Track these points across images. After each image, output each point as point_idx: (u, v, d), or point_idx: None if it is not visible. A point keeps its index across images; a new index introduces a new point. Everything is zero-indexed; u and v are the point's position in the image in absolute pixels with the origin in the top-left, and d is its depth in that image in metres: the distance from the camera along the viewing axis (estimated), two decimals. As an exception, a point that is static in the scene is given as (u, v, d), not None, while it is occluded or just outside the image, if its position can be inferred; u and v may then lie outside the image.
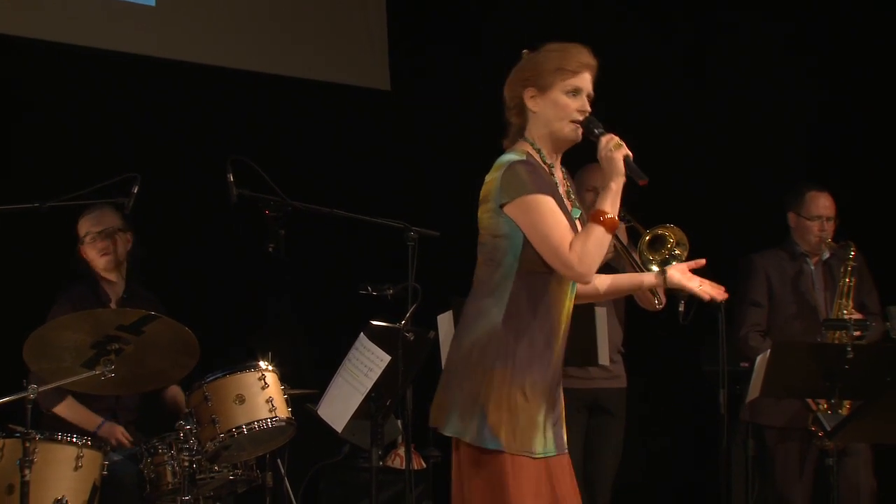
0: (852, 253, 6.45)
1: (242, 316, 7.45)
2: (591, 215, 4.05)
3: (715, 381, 6.41)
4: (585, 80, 4.15)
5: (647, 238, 6.36)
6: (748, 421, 6.71)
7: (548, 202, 4.02)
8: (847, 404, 6.17)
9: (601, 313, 6.06)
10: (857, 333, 6.20)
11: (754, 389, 6.14)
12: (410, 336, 5.46)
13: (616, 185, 4.08)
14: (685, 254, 6.29)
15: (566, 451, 4.20)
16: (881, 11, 8.02)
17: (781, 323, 6.56)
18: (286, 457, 6.25)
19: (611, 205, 4.06)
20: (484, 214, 4.09)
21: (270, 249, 5.61)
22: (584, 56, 4.15)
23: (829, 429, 5.77)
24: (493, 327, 4.03)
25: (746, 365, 6.46)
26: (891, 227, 7.76)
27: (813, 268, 6.62)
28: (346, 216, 5.81)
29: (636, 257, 6.40)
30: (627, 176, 4.11)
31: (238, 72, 7.80)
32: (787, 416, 6.43)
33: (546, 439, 4.10)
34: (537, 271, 4.05)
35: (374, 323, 5.55)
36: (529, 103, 4.13)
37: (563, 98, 4.12)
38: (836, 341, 6.18)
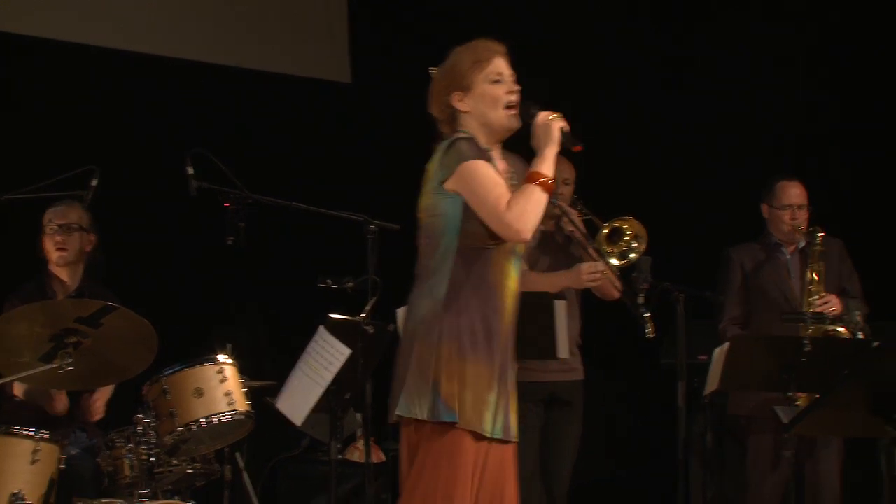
0: (819, 237, 6.48)
1: (201, 309, 7.43)
2: (528, 176, 4.11)
3: (673, 373, 6.45)
4: (502, 65, 4.23)
5: (606, 231, 6.40)
6: (733, 413, 6.73)
7: (484, 166, 4.07)
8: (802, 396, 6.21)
9: (560, 306, 6.07)
10: (830, 312, 6.25)
11: (712, 382, 6.17)
12: (370, 329, 5.46)
13: (550, 152, 4.16)
14: (643, 246, 6.34)
15: (513, 440, 4.20)
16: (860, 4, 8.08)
17: (759, 314, 6.59)
18: (245, 450, 6.24)
19: (547, 168, 4.13)
20: (424, 197, 4.14)
21: (230, 242, 5.60)
22: (492, 44, 4.23)
23: (785, 421, 5.81)
24: (436, 305, 4.07)
25: (704, 358, 6.48)
26: (876, 217, 7.83)
27: (789, 257, 6.66)
28: (306, 209, 5.79)
29: (594, 249, 6.43)
30: (562, 145, 4.21)
31: (198, 64, 7.77)
32: (761, 406, 6.45)
33: (496, 421, 4.15)
34: (477, 246, 4.09)
35: (334, 316, 5.55)
36: (459, 106, 4.18)
37: (490, 87, 4.19)
38: (810, 333, 6.21)
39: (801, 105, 8.15)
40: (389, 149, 7.96)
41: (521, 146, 4.33)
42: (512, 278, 4.20)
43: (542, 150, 4.14)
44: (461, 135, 4.13)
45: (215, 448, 5.84)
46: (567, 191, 6.55)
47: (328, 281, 5.92)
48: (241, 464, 6.24)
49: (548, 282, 6.26)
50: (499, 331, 4.15)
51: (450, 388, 4.03)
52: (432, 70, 4.29)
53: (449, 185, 4.06)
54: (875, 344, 5.44)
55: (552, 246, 6.61)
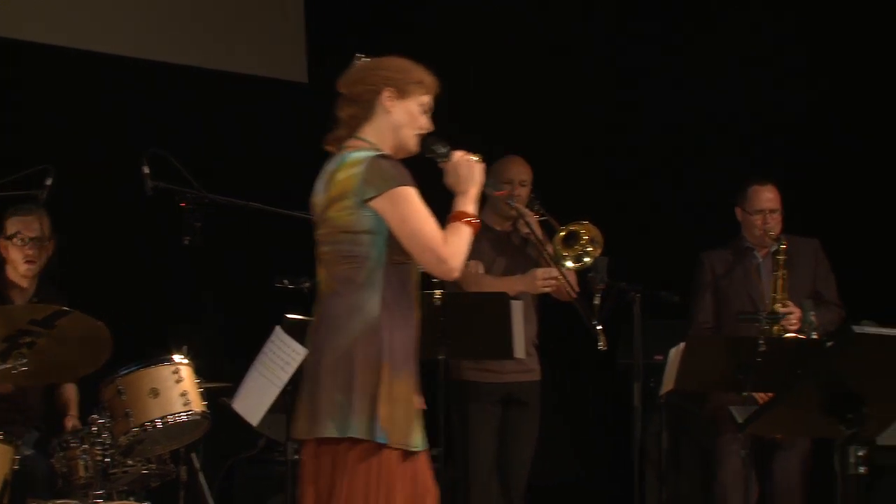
0: (783, 245, 6.51)
1: (158, 309, 7.40)
2: (456, 215, 4.15)
3: (629, 373, 6.48)
4: (431, 102, 4.27)
5: (562, 234, 6.43)
6: (694, 412, 6.76)
7: (415, 194, 4.08)
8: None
9: (517, 307, 6.09)
10: (791, 327, 6.29)
11: (668, 382, 6.19)
12: (327, 329, 5.44)
13: (475, 192, 4.19)
14: (598, 250, 6.37)
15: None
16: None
17: (729, 317, 6.61)
18: (201, 450, 6.22)
19: (472, 207, 4.17)
20: (341, 212, 4.08)
21: (186, 242, 5.58)
22: (435, 82, 4.27)
23: (740, 421, 5.83)
24: (371, 322, 4.04)
25: (661, 358, 6.51)
26: (852, 220, 7.88)
27: (761, 260, 6.67)
28: (263, 209, 5.78)
29: (550, 252, 6.46)
30: (484, 189, 4.25)
31: (154, 63, 7.74)
32: (718, 406, 6.48)
33: (421, 433, 4.17)
34: (401, 262, 4.10)
35: (291, 316, 5.54)
36: (386, 103, 4.17)
37: (417, 110, 4.21)
38: (776, 334, 6.24)
39: (765, 106, 8.19)
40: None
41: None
42: (418, 287, 4.23)
43: (466, 190, 4.18)
44: (375, 153, 4.12)
45: (171, 448, 5.82)
46: (524, 192, 6.56)
47: (285, 281, 5.92)
48: (197, 464, 6.22)
49: (503, 286, 6.28)
50: (416, 344, 4.18)
51: (387, 410, 4.03)
52: (361, 57, 4.27)
53: (375, 204, 4.04)
54: (829, 344, 5.48)
55: (509, 247, 6.63)
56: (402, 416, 4.08)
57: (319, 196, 4.19)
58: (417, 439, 4.14)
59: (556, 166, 7.34)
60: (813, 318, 6.25)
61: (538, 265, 6.51)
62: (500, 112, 8.01)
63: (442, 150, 4.28)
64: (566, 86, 8.29)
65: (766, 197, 6.63)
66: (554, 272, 6.36)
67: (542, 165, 6.71)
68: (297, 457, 5.72)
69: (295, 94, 8.06)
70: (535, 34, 8.31)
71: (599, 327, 6.20)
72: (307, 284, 5.73)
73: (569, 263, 6.43)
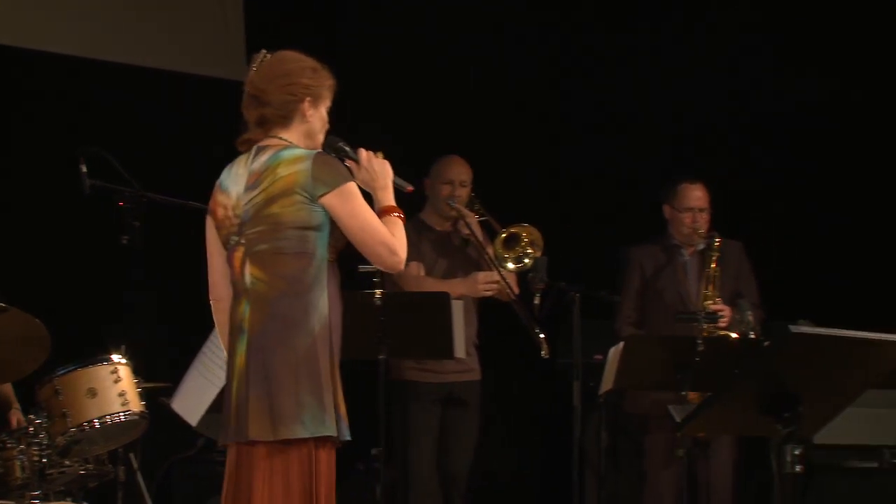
0: (717, 243, 6.55)
1: (96, 309, 7.34)
2: (386, 209, 4.17)
3: (569, 373, 6.50)
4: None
5: (504, 236, 6.46)
6: (629, 411, 6.79)
7: (358, 190, 4.11)
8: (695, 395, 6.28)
9: (457, 306, 6.10)
10: (722, 324, 6.33)
11: (607, 381, 6.22)
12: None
13: (391, 185, 4.23)
14: (538, 252, 6.41)
15: None
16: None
17: (655, 314, 6.65)
18: (139, 451, 6.18)
19: (393, 202, 4.20)
20: (289, 208, 4.04)
21: (125, 241, 5.55)
22: (335, 80, 4.26)
23: (678, 420, 5.88)
24: (323, 320, 4.04)
25: (600, 357, 6.54)
26: (775, 221, 7.95)
27: (688, 258, 6.72)
28: (202, 208, 5.76)
29: (490, 253, 6.48)
30: (393, 185, 4.27)
31: (91, 61, 7.68)
32: (655, 405, 6.51)
33: None
34: (331, 259, 4.11)
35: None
36: (307, 113, 4.17)
37: (325, 114, 4.23)
38: (705, 333, 6.28)
39: (697, 105, 8.24)
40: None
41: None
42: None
43: (385, 186, 4.20)
44: (314, 151, 4.13)
45: (109, 449, 5.79)
46: (464, 192, 6.58)
47: (224, 280, 5.87)
48: (136, 464, 6.18)
49: (444, 289, 6.29)
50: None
51: (344, 406, 4.08)
52: (266, 53, 4.24)
53: (327, 200, 4.04)
54: (766, 343, 5.53)
55: (449, 248, 6.64)
56: (343, 411, 4.10)
57: (243, 195, 4.13)
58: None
59: (496, 166, 7.36)
60: (750, 318, 6.30)
61: (479, 266, 6.53)
62: (438, 112, 8.02)
63: (348, 148, 4.31)
64: (505, 86, 8.31)
65: (696, 195, 6.67)
66: (495, 276, 6.40)
67: (482, 165, 6.73)
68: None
69: (234, 93, 8.01)
70: (473, 34, 8.32)
71: (542, 336, 6.23)
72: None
73: (509, 265, 6.47)
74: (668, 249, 6.73)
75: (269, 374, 4.01)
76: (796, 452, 4.25)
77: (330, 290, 4.09)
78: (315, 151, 4.11)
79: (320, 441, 4.01)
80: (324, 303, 4.04)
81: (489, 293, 6.46)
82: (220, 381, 5.44)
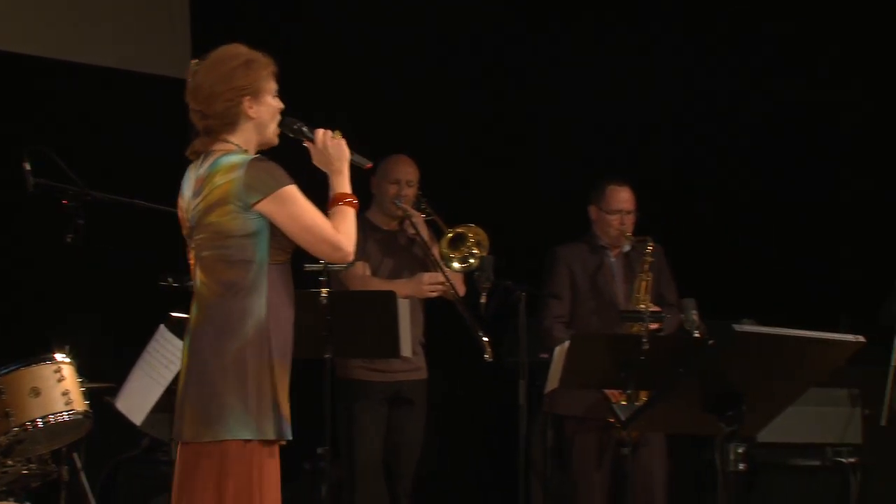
0: (649, 247, 6.59)
1: (39, 308, 7.29)
2: (336, 198, 4.19)
3: (515, 372, 6.51)
4: (275, 81, 4.26)
5: (450, 236, 6.47)
6: (549, 411, 6.82)
7: (298, 191, 4.11)
8: (644, 395, 6.31)
9: (403, 305, 6.10)
10: (653, 326, 6.35)
11: (552, 380, 6.24)
12: (212, 328, 5.41)
13: (346, 170, 4.25)
14: (483, 253, 6.42)
15: None
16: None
17: (582, 314, 6.67)
18: (83, 450, 6.15)
19: (348, 186, 4.23)
20: (224, 217, 4.07)
21: (69, 240, 5.52)
22: (270, 59, 4.24)
23: (623, 419, 5.90)
24: (260, 324, 4.06)
25: (546, 356, 6.56)
26: (692, 220, 7.99)
27: (613, 260, 6.75)
28: (147, 206, 5.73)
29: (436, 253, 6.49)
30: (351, 163, 4.27)
31: (35, 58, 7.62)
32: (586, 407, 6.54)
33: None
34: (280, 261, 4.12)
35: (175, 315, 5.50)
36: (249, 112, 4.16)
37: (272, 100, 4.22)
38: (637, 332, 6.31)
39: (626, 106, 8.30)
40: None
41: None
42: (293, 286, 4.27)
43: (339, 170, 4.22)
44: (249, 156, 4.12)
45: (52, 448, 5.75)
46: (411, 192, 6.58)
47: (169, 279, 5.86)
48: (79, 464, 6.15)
49: (390, 289, 6.29)
50: (292, 340, 4.20)
51: (286, 406, 4.10)
52: (197, 62, 4.23)
53: (262, 207, 4.05)
54: (710, 342, 5.56)
55: (396, 248, 6.64)
56: (286, 412, 4.12)
57: (191, 200, 4.17)
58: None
59: (443, 166, 7.37)
60: (695, 317, 6.33)
61: (425, 265, 6.54)
62: (385, 111, 8.01)
63: (305, 129, 4.30)
64: (452, 85, 8.32)
65: (623, 197, 6.70)
66: (440, 277, 6.41)
67: (428, 165, 6.73)
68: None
69: (180, 91, 7.98)
70: (419, 33, 8.33)
71: (486, 339, 6.24)
72: (191, 283, 5.68)
73: (455, 265, 6.48)
74: (595, 250, 6.75)
75: (202, 377, 4.08)
76: (739, 451, 4.29)
77: (276, 292, 4.11)
78: (250, 158, 4.10)
79: (256, 442, 4.04)
80: (261, 308, 4.06)
81: (434, 294, 6.48)
82: (164, 380, 5.43)
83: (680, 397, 4.40)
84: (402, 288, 6.35)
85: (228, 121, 4.15)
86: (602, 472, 6.49)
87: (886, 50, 7.99)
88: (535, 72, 8.42)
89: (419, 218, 6.55)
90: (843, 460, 7.13)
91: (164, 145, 7.91)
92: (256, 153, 4.20)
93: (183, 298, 5.60)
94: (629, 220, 6.68)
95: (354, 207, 4.20)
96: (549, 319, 6.66)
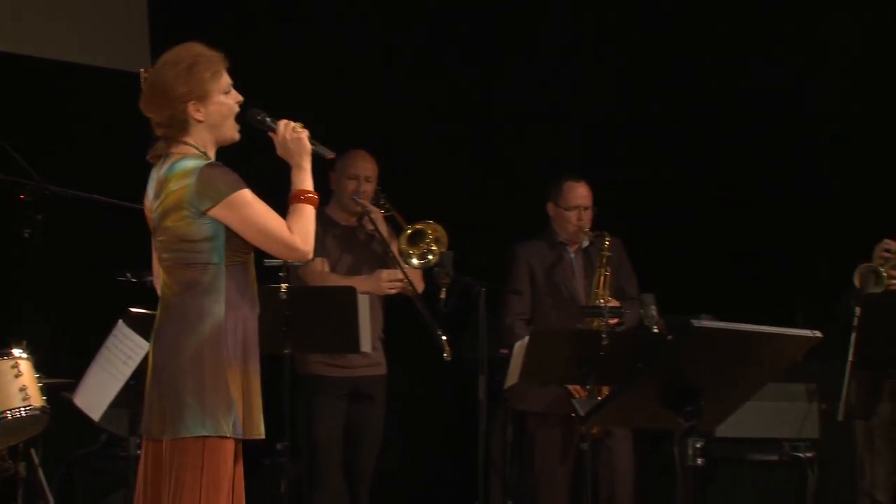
0: (606, 243, 6.61)
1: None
2: (294, 195, 4.19)
3: (475, 367, 6.52)
4: (227, 75, 4.24)
5: (409, 232, 6.47)
6: (513, 407, 6.83)
7: (251, 195, 4.12)
8: (605, 390, 6.33)
9: (363, 300, 6.10)
10: (613, 321, 6.37)
11: (512, 376, 6.25)
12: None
13: (307, 164, 4.24)
14: (442, 250, 6.43)
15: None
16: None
17: (543, 310, 6.69)
18: (40, 446, 6.11)
19: (309, 182, 4.22)
20: (178, 222, 4.11)
21: (26, 235, 5.49)
22: (217, 53, 4.23)
23: (582, 414, 5.91)
24: (218, 323, 4.09)
25: (506, 352, 6.57)
26: (651, 216, 8.02)
27: (573, 256, 6.77)
28: (106, 201, 5.71)
29: (395, 249, 6.48)
30: (313, 153, 4.25)
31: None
32: (548, 402, 6.56)
33: (261, 422, 4.22)
34: (238, 261, 4.15)
35: (134, 310, 5.48)
36: (196, 116, 4.16)
37: (224, 98, 4.20)
38: (596, 328, 6.34)
39: (585, 103, 8.32)
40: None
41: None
42: (256, 284, 4.28)
43: (299, 164, 4.23)
44: (202, 162, 4.12)
45: (9, 444, 5.72)
46: (370, 188, 6.58)
47: (127, 274, 5.84)
48: (37, 460, 6.11)
49: (348, 285, 6.29)
50: (257, 338, 4.23)
51: (244, 404, 4.11)
52: (145, 71, 4.22)
53: (214, 213, 4.08)
54: (669, 338, 5.58)
55: (354, 244, 6.64)
56: (255, 408, 4.15)
57: (153, 202, 4.20)
58: (261, 428, 4.21)
59: (402, 161, 7.36)
60: (654, 312, 6.36)
61: (384, 261, 6.53)
62: (344, 106, 8.00)
63: (268, 120, 4.28)
64: (410, 80, 8.31)
65: (581, 193, 6.73)
66: (399, 274, 6.41)
67: (388, 161, 6.73)
68: (139, 452, 5.69)
69: (138, 86, 7.93)
70: (374, 28, 8.32)
71: (444, 337, 6.25)
72: (150, 278, 5.66)
73: (414, 261, 6.48)
74: (554, 246, 6.77)
75: (162, 375, 4.12)
76: (698, 445, 4.30)
77: (236, 292, 4.13)
78: (202, 164, 4.11)
79: (215, 439, 4.05)
80: (218, 308, 4.09)
81: (393, 291, 6.48)
82: (123, 375, 5.42)
83: (638, 392, 4.41)
84: (361, 284, 6.34)
85: (179, 127, 4.16)
86: (565, 468, 6.51)
87: (848, 48, 8.04)
88: (494, 67, 8.42)
89: (378, 214, 6.55)
90: (801, 455, 7.16)
91: (122, 140, 7.89)
92: (217, 151, 4.21)
93: (141, 294, 5.60)
94: (587, 216, 6.71)
95: (313, 203, 4.20)
96: (510, 317, 6.68)
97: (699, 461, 4.31)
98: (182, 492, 4.04)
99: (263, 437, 4.19)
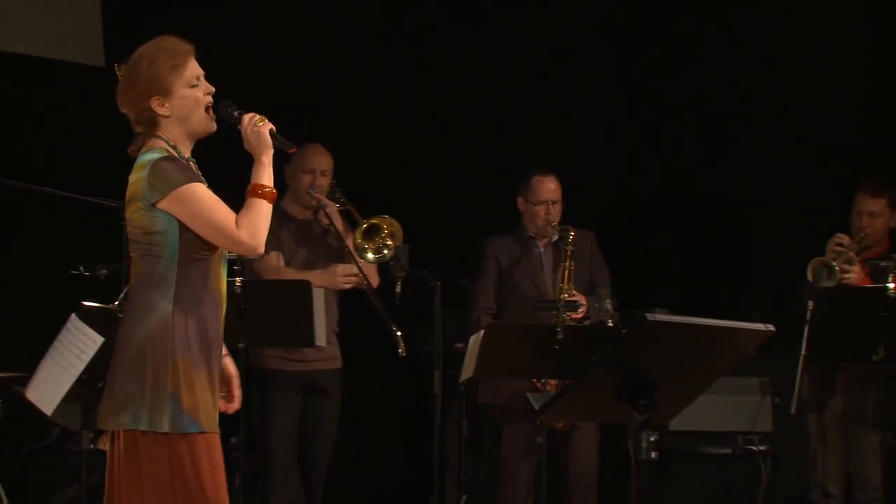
0: (571, 236, 6.63)
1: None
2: (250, 189, 4.16)
3: (430, 361, 6.52)
4: (196, 66, 4.21)
5: (364, 226, 6.46)
6: (478, 400, 6.83)
7: (201, 189, 4.11)
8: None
9: (318, 294, 6.09)
10: (578, 315, 6.40)
11: (467, 370, 6.25)
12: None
13: (267, 159, 4.20)
14: (397, 244, 6.43)
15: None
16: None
17: (511, 305, 6.69)
18: (-8, 441, 6.08)
19: (267, 178, 4.18)
20: (134, 214, 4.11)
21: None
22: (183, 45, 4.21)
23: (536, 408, 5.93)
24: (164, 317, 4.08)
25: (461, 346, 6.57)
26: (605, 211, 8.04)
27: (542, 250, 6.78)
28: (58, 195, 5.67)
29: (350, 243, 6.48)
30: (276, 147, 4.22)
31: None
32: (514, 395, 6.56)
33: (216, 419, 4.21)
34: (197, 258, 4.13)
35: (87, 304, 5.45)
36: (160, 111, 4.15)
37: (189, 91, 4.17)
38: (563, 322, 6.34)
39: (548, 97, 8.34)
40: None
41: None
42: (225, 282, 4.27)
43: (258, 158, 4.20)
44: (158, 155, 4.12)
45: (-39, 439, 5.68)
46: (325, 181, 6.57)
47: (80, 268, 5.81)
48: (-12, 455, 6.08)
49: (303, 279, 6.27)
50: (219, 334, 4.22)
51: (191, 401, 4.08)
52: (118, 66, 4.21)
53: (163, 206, 4.08)
54: (623, 331, 5.60)
55: (310, 237, 6.62)
56: (209, 403, 4.13)
57: None
58: (216, 424, 4.18)
59: (358, 155, 7.35)
60: (608, 306, 6.38)
61: (339, 256, 6.52)
62: (299, 100, 7.98)
63: (235, 114, 4.25)
64: (366, 73, 8.30)
65: (549, 188, 6.73)
66: (353, 269, 6.40)
67: (343, 155, 6.71)
68: (92, 446, 5.67)
69: (91, 78, 7.89)
70: (331, 21, 8.30)
71: (399, 333, 6.24)
72: (103, 272, 5.65)
73: (369, 255, 6.48)
74: (524, 241, 6.78)
75: (113, 365, 4.13)
76: (652, 439, 4.31)
77: (190, 288, 4.11)
78: (155, 158, 4.10)
79: (168, 434, 4.04)
80: (165, 302, 4.08)
81: (348, 286, 6.47)
82: (75, 369, 5.38)
83: (593, 386, 4.42)
84: (316, 279, 6.33)
85: (148, 122, 4.16)
86: (529, 461, 6.51)
87: (785, 43, 8.11)
88: (450, 60, 8.42)
89: (333, 208, 6.54)
90: (754, 448, 7.21)
91: (73, 132, 7.85)
92: (193, 142, 4.20)
93: (94, 287, 5.57)
94: (555, 210, 6.72)
95: (269, 199, 4.16)
96: (478, 311, 6.69)
97: (653, 454, 4.32)
98: (144, 485, 4.05)
99: (215, 431, 4.15)
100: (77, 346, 5.41)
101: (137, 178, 4.10)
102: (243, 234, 4.10)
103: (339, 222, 6.52)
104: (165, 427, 4.03)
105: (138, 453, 4.06)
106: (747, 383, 7.18)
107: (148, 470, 4.05)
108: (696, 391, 4.58)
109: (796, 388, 6.22)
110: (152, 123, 4.16)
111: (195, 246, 4.11)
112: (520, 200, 6.79)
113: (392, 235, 6.46)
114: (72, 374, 5.40)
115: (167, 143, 4.15)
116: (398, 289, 6.41)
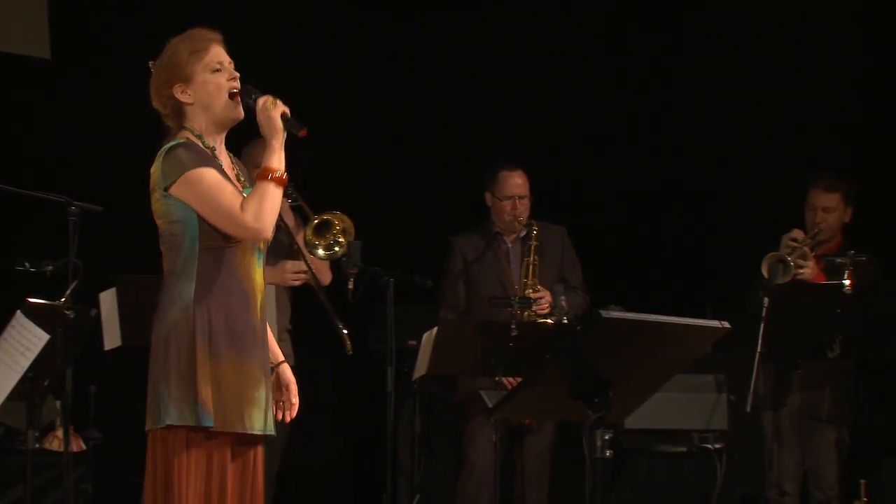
0: (534, 232, 6.62)
1: None
2: (259, 173, 4.08)
3: (383, 358, 6.48)
4: (220, 53, 4.18)
5: (315, 223, 6.40)
6: (441, 395, 6.81)
7: (209, 173, 4.05)
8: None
9: (269, 291, 6.02)
10: (541, 310, 6.38)
11: (421, 367, 6.22)
12: (70, 314, 5.34)
13: (277, 142, 4.13)
14: (349, 240, 6.37)
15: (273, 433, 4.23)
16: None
17: (478, 302, 6.67)
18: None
19: (277, 161, 4.10)
20: (156, 204, 4.09)
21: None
22: (207, 33, 4.19)
23: (490, 406, 5.90)
24: (186, 308, 4.04)
25: (414, 343, 6.53)
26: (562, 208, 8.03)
27: (510, 245, 6.78)
28: (3, 189, 5.60)
29: (301, 240, 6.42)
30: (288, 131, 4.15)
31: None
32: (471, 392, 6.54)
33: (267, 417, 4.15)
34: (218, 246, 4.08)
35: (32, 300, 5.40)
36: (182, 98, 4.13)
37: (210, 77, 4.13)
38: (527, 318, 6.33)
39: (521, 91, 8.31)
40: (92, 129, 7.73)
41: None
42: (258, 273, 4.22)
43: (268, 142, 4.13)
44: (174, 143, 4.09)
45: None
46: (278, 177, 6.49)
47: (26, 264, 5.74)
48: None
49: None
50: (253, 327, 4.14)
51: (206, 392, 4.01)
52: (151, 63, 4.17)
53: (173, 191, 4.05)
54: (577, 328, 5.58)
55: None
56: (230, 400, 4.05)
57: None
58: (259, 422, 4.12)
59: (308, 150, 7.28)
60: (563, 303, 6.37)
61: (290, 252, 6.46)
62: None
63: (253, 97, 4.17)
64: (320, 68, 8.25)
65: (516, 183, 6.73)
66: (303, 266, 6.33)
67: (293, 150, 6.64)
68: (37, 446, 5.59)
69: (36, 71, 7.81)
70: (292, 17, 8.26)
71: (346, 331, 6.18)
72: (49, 268, 5.57)
73: (320, 252, 6.41)
74: (491, 237, 6.78)
75: (150, 364, 4.08)
76: (606, 437, 4.29)
77: (209, 278, 4.06)
78: (173, 144, 4.07)
79: (182, 428, 4.00)
80: (187, 293, 4.04)
81: (297, 283, 6.42)
82: (20, 367, 5.35)
83: (547, 384, 4.39)
84: (266, 275, 6.25)
85: (176, 113, 4.14)
86: (487, 458, 6.48)
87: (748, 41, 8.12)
88: (404, 56, 8.39)
89: (284, 203, 6.46)
90: (709, 446, 7.21)
91: (19, 127, 7.76)
92: (218, 133, 4.16)
93: (40, 283, 5.49)
94: (523, 205, 6.72)
95: (279, 183, 4.07)
96: (445, 309, 6.70)
97: (608, 452, 4.30)
98: (156, 483, 4.02)
99: (253, 431, 4.09)
100: (22, 343, 5.35)
101: (155, 167, 4.08)
102: (248, 217, 4.02)
103: (289, 218, 6.46)
104: (191, 420, 3.98)
105: (157, 449, 4.02)
106: (703, 381, 7.18)
107: (162, 465, 4.01)
108: (651, 389, 4.57)
109: (752, 386, 6.19)
110: (179, 114, 4.13)
111: (217, 236, 4.06)
112: (487, 196, 6.78)
113: (344, 232, 6.40)
114: (17, 372, 5.35)
115: (192, 132, 4.12)
116: (351, 285, 6.35)
